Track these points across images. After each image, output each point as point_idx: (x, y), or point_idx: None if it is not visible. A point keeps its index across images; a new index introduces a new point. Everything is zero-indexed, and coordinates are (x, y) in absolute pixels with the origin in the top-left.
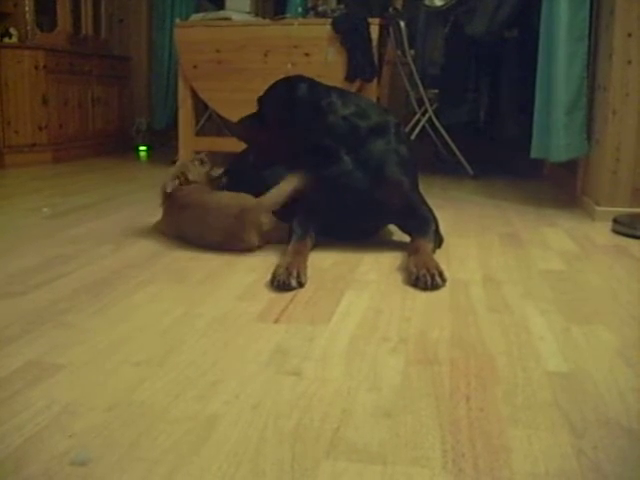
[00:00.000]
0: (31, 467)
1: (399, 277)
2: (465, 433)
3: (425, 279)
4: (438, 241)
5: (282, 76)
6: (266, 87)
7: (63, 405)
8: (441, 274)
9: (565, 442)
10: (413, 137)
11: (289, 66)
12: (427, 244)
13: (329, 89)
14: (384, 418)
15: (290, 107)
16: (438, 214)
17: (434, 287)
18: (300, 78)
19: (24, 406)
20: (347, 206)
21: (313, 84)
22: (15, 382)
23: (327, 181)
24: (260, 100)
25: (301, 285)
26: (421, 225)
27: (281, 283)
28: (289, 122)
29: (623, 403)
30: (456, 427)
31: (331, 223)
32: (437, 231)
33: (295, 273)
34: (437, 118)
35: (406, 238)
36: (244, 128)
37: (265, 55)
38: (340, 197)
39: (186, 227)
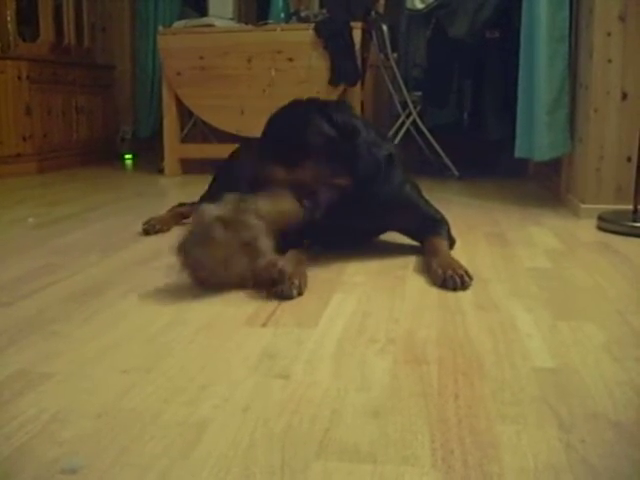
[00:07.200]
0: (21, 476)
1: (386, 279)
2: (454, 431)
3: (454, 280)
4: (450, 243)
5: (267, 82)
6: (251, 94)
7: (52, 413)
8: (467, 272)
9: (553, 437)
10: (398, 140)
11: (273, 72)
12: (444, 243)
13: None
14: (373, 418)
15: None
16: None
17: (464, 287)
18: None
19: (13, 415)
20: (358, 229)
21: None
22: (3, 392)
23: (343, 215)
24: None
25: (300, 295)
26: (434, 227)
27: (283, 293)
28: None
29: (610, 397)
30: (445, 425)
31: (336, 240)
32: (449, 233)
33: (297, 283)
34: (421, 120)
35: (396, 239)
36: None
37: (249, 61)
38: (355, 225)
39: None
